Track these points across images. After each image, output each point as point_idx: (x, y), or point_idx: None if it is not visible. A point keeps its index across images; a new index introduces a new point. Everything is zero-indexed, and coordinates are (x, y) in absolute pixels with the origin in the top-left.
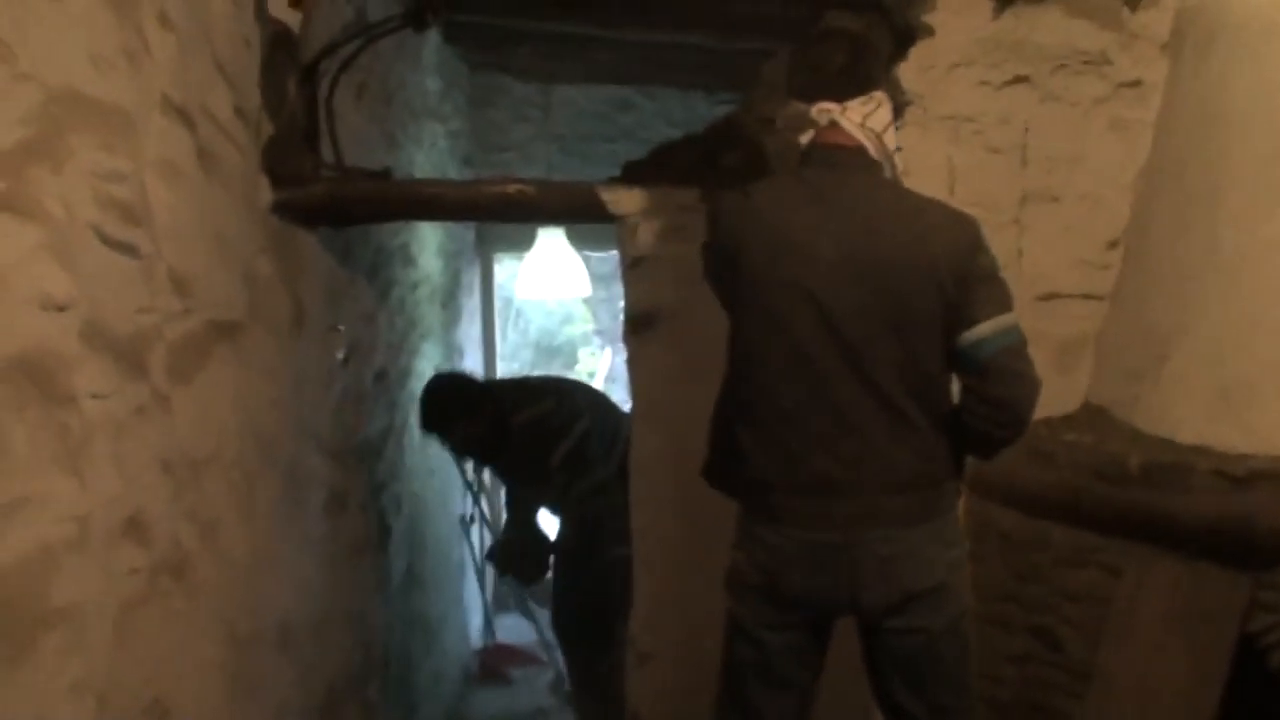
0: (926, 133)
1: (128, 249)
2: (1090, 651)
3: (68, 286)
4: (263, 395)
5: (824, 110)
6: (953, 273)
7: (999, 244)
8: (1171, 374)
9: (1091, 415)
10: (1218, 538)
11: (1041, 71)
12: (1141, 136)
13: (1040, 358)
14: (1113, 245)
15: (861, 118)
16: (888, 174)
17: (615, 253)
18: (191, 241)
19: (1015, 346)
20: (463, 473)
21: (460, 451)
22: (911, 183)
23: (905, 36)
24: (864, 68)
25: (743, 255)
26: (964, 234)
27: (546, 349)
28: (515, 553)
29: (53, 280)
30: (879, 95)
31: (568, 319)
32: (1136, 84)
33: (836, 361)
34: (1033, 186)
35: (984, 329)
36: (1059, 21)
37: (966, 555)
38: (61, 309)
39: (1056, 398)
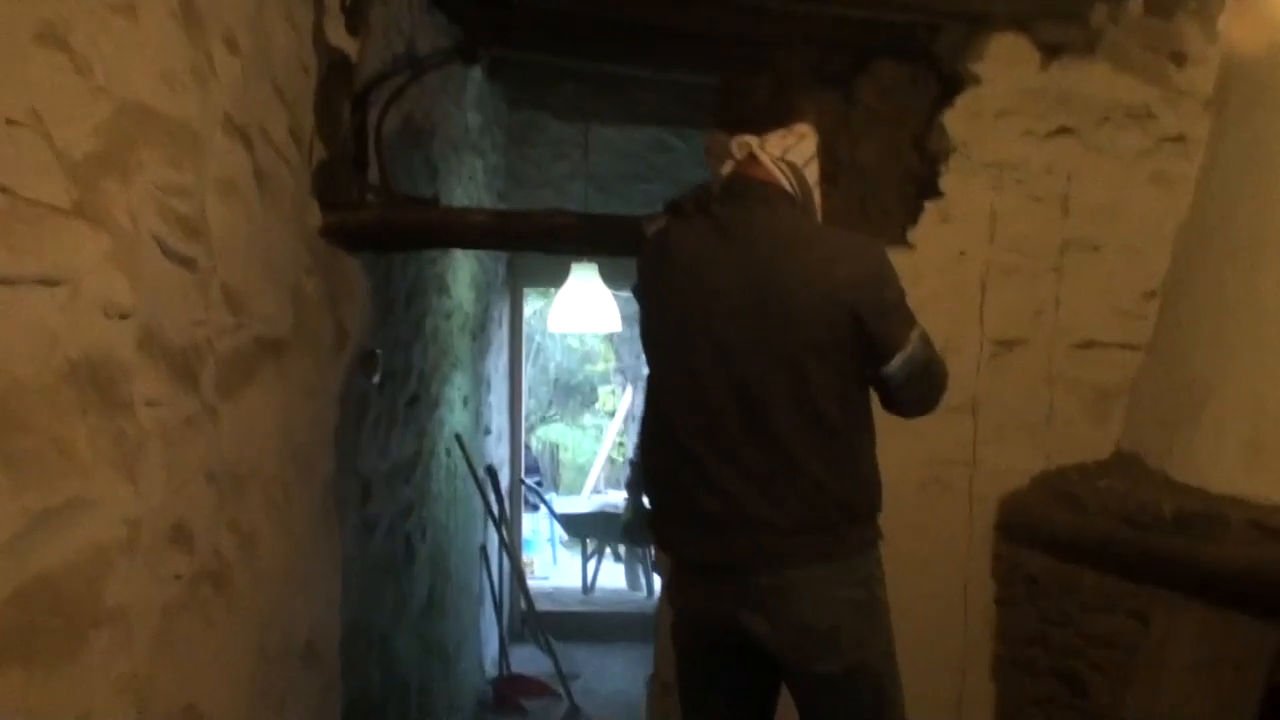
0: (970, 179)
1: (187, 262)
2: (1116, 697)
3: (130, 295)
4: (303, 414)
5: (743, 144)
6: (857, 305)
7: (1038, 291)
8: (1206, 424)
9: (1124, 462)
10: (1248, 587)
11: (1086, 123)
12: (1183, 190)
13: (1074, 404)
14: (1151, 295)
15: (781, 150)
16: (804, 207)
17: None
18: (244, 258)
19: (919, 358)
20: (486, 503)
21: None
22: (953, 228)
23: (952, 84)
24: (786, 99)
25: (651, 292)
26: (868, 266)
27: (565, 386)
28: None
29: (118, 288)
30: (802, 128)
31: (587, 357)
32: (1180, 139)
33: (728, 396)
34: (1073, 235)
35: (897, 362)
36: (1105, 75)
37: (880, 600)
38: (124, 317)
39: (1089, 444)
